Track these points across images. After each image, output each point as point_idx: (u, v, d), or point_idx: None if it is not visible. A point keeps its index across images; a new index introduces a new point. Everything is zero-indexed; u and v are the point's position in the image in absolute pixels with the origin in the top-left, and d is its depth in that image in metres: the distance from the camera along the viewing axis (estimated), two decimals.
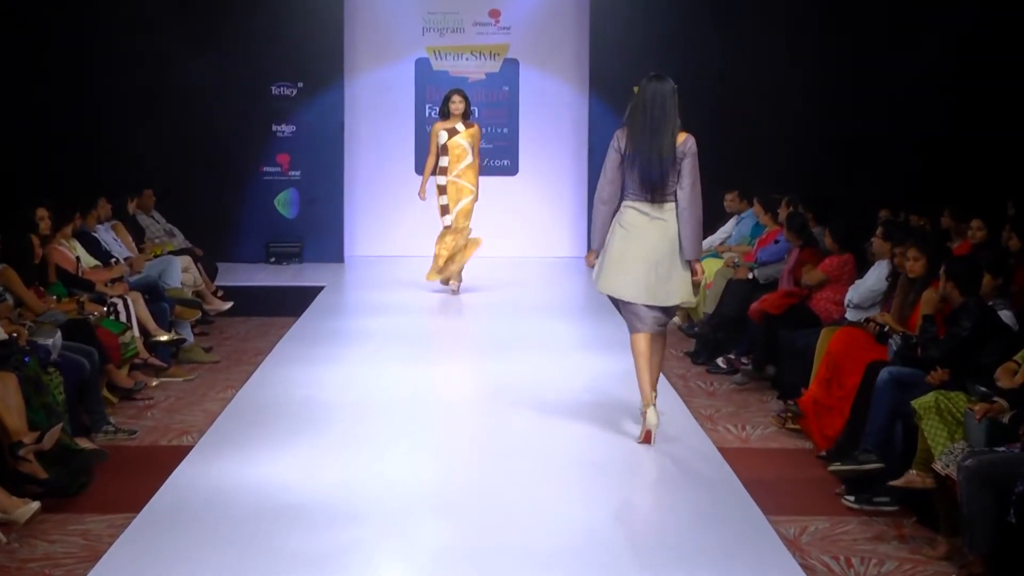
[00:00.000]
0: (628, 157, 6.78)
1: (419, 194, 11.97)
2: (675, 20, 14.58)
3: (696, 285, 7.04)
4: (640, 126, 6.75)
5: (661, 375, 7.43)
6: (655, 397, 6.90)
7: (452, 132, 11.76)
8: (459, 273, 12.15)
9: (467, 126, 11.86)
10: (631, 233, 6.84)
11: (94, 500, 6.04)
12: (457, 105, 11.78)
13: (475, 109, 14.94)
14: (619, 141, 6.84)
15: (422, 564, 5.19)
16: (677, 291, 6.90)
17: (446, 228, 11.88)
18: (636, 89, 6.90)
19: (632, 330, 6.97)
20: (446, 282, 12.18)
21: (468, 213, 11.92)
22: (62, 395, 6.65)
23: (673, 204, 6.81)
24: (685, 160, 6.75)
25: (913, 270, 7.14)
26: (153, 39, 14.34)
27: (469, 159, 11.82)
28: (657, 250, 6.82)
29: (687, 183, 6.76)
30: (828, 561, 5.35)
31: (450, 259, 11.93)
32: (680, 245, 6.81)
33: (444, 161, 11.80)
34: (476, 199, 11.97)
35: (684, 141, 6.77)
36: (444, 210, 11.88)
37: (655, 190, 6.78)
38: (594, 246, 7.04)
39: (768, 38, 14.45)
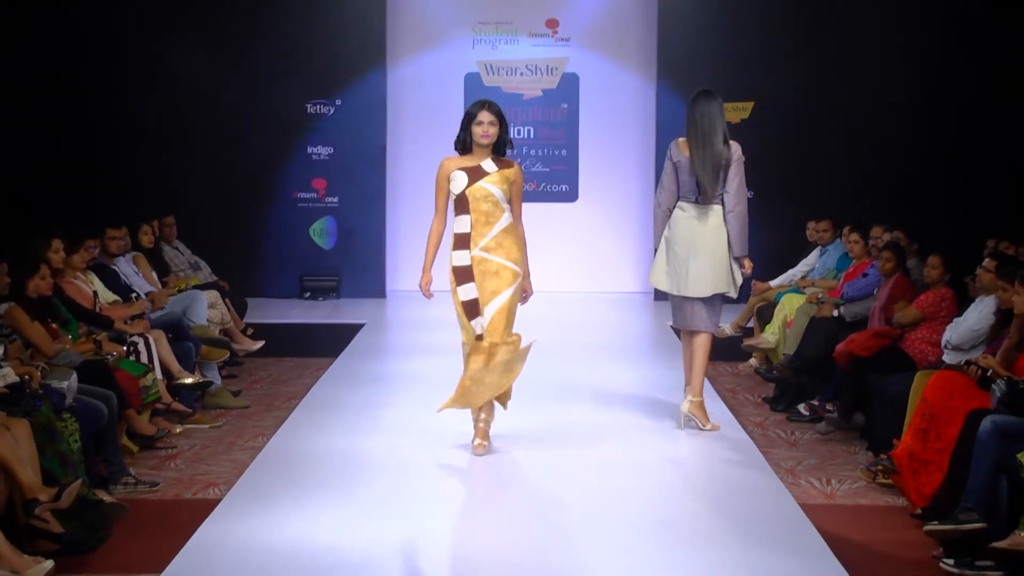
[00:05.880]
0: (683, 164, 8.19)
1: (420, 286, 7.95)
2: (755, 28, 14.64)
3: (746, 280, 8.34)
4: (694, 138, 8.18)
5: (730, 410, 8.88)
6: (697, 391, 8.29)
7: (475, 174, 7.78)
8: (486, 428, 7.89)
9: (500, 165, 7.82)
10: (674, 231, 8.26)
11: (112, 559, 6.12)
12: (486, 129, 7.70)
13: (521, 130, 14.92)
14: (672, 152, 8.30)
15: None
16: (710, 284, 8.17)
17: (478, 340, 7.69)
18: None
19: (674, 322, 8.63)
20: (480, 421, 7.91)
21: (510, 314, 7.74)
22: (78, 443, 6.73)
23: (719, 207, 8.19)
24: (731, 166, 8.15)
25: None
26: (177, 56, 14.60)
27: (506, 219, 7.81)
28: (693, 245, 8.18)
29: (733, 186, 8.15)
30: None
31: (476, 385, 7.64)
32: (728, 243, 8.18)
33: (463, 224, 7.86)
34: (522, 289, 7.83)
35: (732, 149, 8.18)
36: (471, 310, 7.72)
37: (704, 193, 8.15)
38: (656, 246, 8.61)
39: (868, 45, 14.60)
